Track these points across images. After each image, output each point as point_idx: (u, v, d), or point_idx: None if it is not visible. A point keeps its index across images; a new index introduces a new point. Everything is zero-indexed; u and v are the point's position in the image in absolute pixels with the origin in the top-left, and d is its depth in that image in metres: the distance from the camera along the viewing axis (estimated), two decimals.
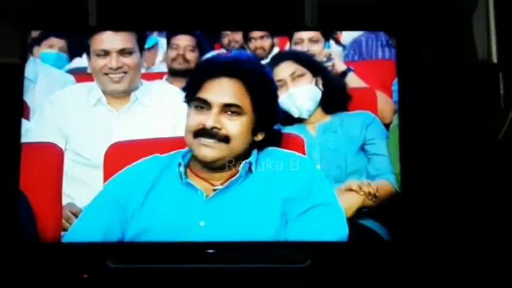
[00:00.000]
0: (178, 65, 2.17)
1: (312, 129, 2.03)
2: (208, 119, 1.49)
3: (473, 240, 1.73)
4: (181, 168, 1.54)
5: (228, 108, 1.50)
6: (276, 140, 1.64)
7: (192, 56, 2.18)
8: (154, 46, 2.29)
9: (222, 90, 1.51)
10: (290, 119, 2.00)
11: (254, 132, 1.54)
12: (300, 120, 2.03)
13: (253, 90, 1.52)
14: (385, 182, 1.87)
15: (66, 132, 1.88)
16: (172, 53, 2.12)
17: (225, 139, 1.50)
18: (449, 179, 1.83)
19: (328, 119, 2.03)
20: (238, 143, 1.51)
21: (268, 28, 2.10)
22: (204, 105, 1.52)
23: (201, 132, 1.51)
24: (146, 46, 2.06)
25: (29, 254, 1.70)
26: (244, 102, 1.51)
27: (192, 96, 1.54)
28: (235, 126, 1.50)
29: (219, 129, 1.49)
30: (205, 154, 1.50)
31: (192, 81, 1.56)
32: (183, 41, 2.14)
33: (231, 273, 1.59)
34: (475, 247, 1.73)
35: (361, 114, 2.04)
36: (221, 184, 1.55)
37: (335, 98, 2.01)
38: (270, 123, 1.59)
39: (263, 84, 1.56)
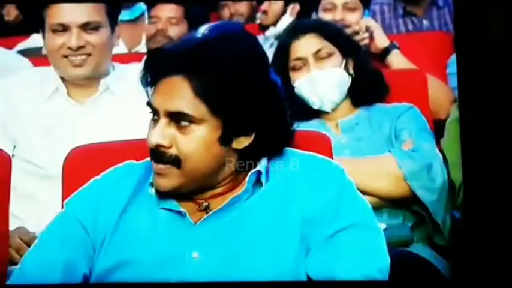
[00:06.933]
0: (157, 44, 1.99)
1: (334, 127, 1.87)
2: (150, 135, 1.31)
3: None
4: (153, 190, 1.36)
5: (175, 118, 1.30)
6: (282, 140, 1.40)
7: (176, 32, 1.99)
8: (141, 17, 2.04)
9: (168, 94, 1.30)
10: (305, 112, 1.85)
11: (225, 141, 1.32)
12: (316, 115, 1.87)
13: (204, 91, 1.28)
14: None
15: (13, 134, 1.77)
16: (151, 29, 1.85)
17: (176, 161, 1.30)
18: None
19: (353, 113, 1.87)
20: (194, 163, 1.30)
21: None
22: (155, 114, 1.34)
23: (152, 154, 1.33)
24: (129, 17, 1.90)
25: None
26: (196, 107, 1.29)
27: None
28: (189, 142, 1.30)
29: (167, 147, 1.30)
30: (158, 184, 1.33)
31: (146, 80, 1.36)
32: (165, 11, 1.89)
33: None
34: None
35: (396, 106, 1.88)
36: (206, 200, 1.35)
37: (369, 86, 1.84)
38: (256, 121, 1.34)
39: (220, 77, 1.29)
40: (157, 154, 1.29)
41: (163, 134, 1.29)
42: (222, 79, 1.27)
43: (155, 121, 1.30)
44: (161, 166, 1.30)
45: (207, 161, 1.30)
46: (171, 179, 1.30)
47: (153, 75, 1.32)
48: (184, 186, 1.30)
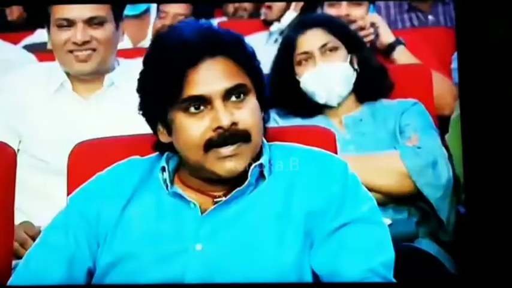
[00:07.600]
0: None
1: (338, 123, 1.84)
2: (222, 117, 1.28)
3: None
4: (166, 175, 1.35)
5: (232, 93, 1.31)
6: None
7: None
8: (146, 12, 2.01)
9: (219, 74, 1.31)
10: (310, 107, 1.84)
11: (262, 110, 1.36)
12: (320, 111, 1.86)
13: (245, 63, 1.34)
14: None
15: (18, 129, 1.75)
16: (159, 23, 1.83)
17: (246, 136, 1.30)
18: None
19: (358, 109, 1.85)
20: (257, 134, 1.32)
21: None
22: (200, 103, 1.30)
23: (219, 140, 1.30)
24: (134, 12, 1.87)
25: None
26: (245, 79, 1.32)
27: (175, 98, 1.31)
28: (250, 113, 1.31)
29: (237, 124, 1.29)
30: (231, 168, 1.30)
31: (167, 77, 1.31)
32: (174, 7, 1.85)
33: None
34: None
35: (400, 102, 1.86)
36: (224, 195, 1.33)
37: (373, 82, 1.83)
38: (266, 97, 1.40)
39: (248, 52, 1.36)
40: (229, 135, 1.29)
41: (228, 114, 1.29)
42: (249, 51, 1.33)
43: (197, 110, 1.29)
44: (232, 147, 1.29)
45: (261, 129, 1.33)
46: (242, 157, 1.30)
47: (181, 68, 1.30)
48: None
